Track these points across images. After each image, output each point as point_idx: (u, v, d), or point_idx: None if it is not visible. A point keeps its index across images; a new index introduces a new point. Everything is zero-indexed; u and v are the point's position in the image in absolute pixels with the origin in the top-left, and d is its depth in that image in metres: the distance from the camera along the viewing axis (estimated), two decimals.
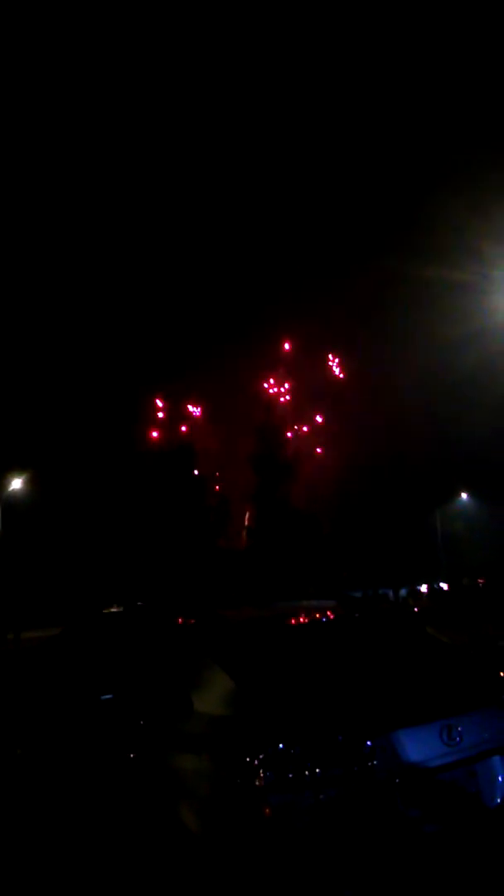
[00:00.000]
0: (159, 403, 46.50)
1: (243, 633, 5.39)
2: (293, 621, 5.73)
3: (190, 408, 47.22)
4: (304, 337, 40.85)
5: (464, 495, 45.87)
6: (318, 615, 5.87)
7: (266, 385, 45.67)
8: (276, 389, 45.27)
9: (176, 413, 48.11)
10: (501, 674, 5.58)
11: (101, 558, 30.62)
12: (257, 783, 4.24)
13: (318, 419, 46.62)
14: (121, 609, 7.35)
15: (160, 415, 47.33)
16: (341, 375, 47.38)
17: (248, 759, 4.27)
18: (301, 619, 5.78)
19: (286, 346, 46.27)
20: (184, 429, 46.04)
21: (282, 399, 45.63)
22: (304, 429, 45.61)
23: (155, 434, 45.86)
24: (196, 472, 42.97)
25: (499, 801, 4.84)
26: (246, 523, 46.39)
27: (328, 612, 5.97)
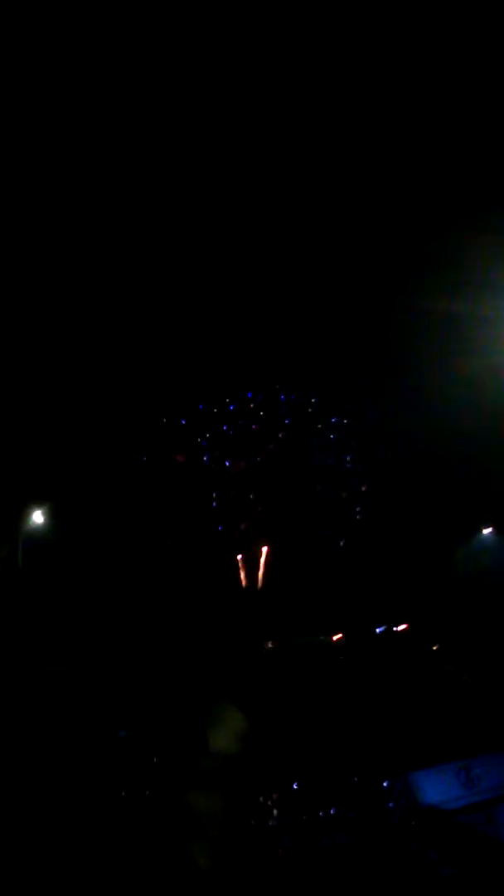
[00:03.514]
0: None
1: (259, 671, 5.37)
2: (310, 658, 5.70)
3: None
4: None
5: (488, 530, 45.36)
6: (335, 652, 5.84)
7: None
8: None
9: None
10: None
11: (120, 592, 30.51)
12: (271, 824, 4.19)
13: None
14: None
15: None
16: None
17: (261, 799, 4.23)
18: (318, 656, 5.75)
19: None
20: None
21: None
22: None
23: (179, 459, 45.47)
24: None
25: None
26: (264, 556, 45.98)
27: (345, 649, 5.94)
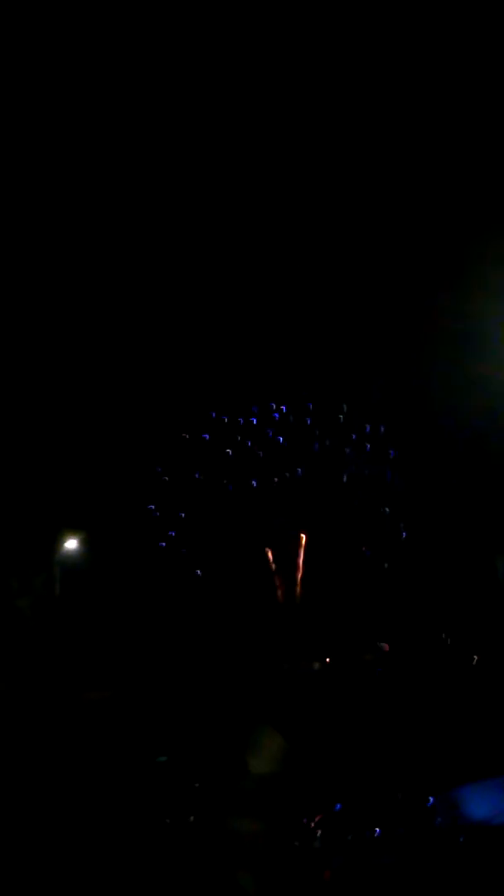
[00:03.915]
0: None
1: (298, 692, 5.33)
2: (350, 676, 5.65)
3: None
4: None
5: None
6: (374, 666, 5.79)
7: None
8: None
9: None
10: None
11: (156, 618, 30.51)
12: (316, 845, 4.14)
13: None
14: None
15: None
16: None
17: (304, 821, 4.18)
18: (359, 674, 5.70)
19: None
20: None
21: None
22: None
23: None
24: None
25: None
26: (300, 571, 45.60)
27: (383, 663, 5.88)
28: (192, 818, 4.95)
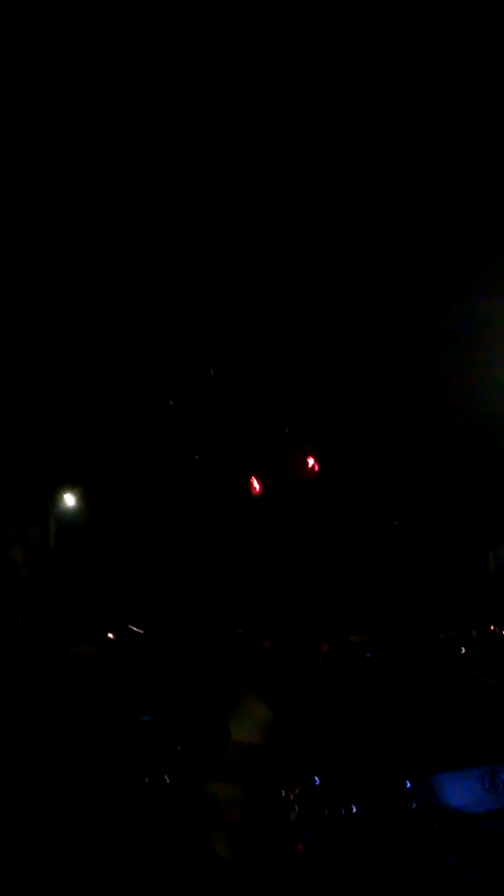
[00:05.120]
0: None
1: (283, 664, 5.34)
2: (336, 654, 5.67)
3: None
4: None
5: None
6: (363, 649, 5.80)
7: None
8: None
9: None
10: None
11: (148, 577, 30.75)
12: (291, 817, 4.17)
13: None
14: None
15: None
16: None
17: (282, 793, 4.21)
18: (345, 652, 5.72)
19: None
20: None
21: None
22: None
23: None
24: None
25: None
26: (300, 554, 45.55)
27: (373, 647, 5.90)
28: (168, 779, 4.98)
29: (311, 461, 38.50)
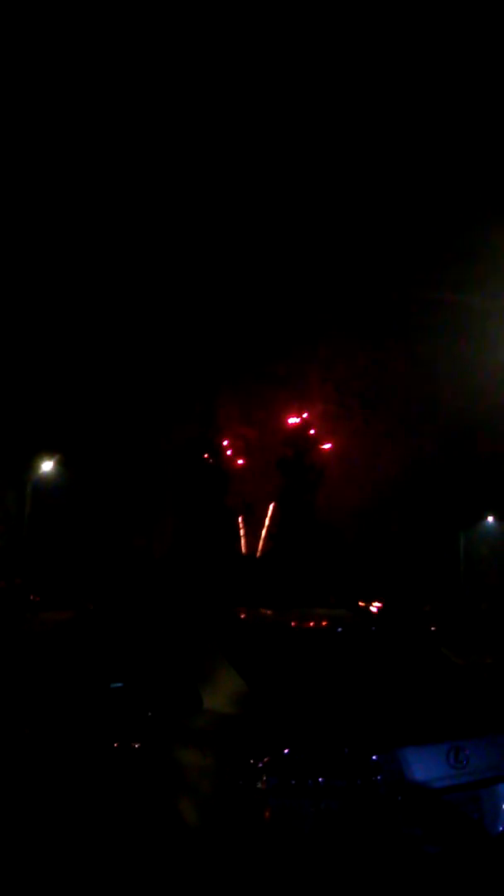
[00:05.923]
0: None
1: (257, 634, 5.38)
2: (308, 627, 5.72)
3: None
4: (330, 358, 39.99)
5: (490, 519, 45.71)
6: (333, 623, 5.85)
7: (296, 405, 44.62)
8: (299, 418, 44.07)
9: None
10: None
11: (122, 546, 30.83)
12: (259, 786, 4.23)
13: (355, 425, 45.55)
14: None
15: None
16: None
17: (252, 761, 4.26)
18: (316, 626, 5.76)
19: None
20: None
21: (305, 415, 44.35)
22: (328, 446, 44.58)
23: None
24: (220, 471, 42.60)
25: (501, 828, 4.78)
26: (266, 526, 45.94)
27: (344, 621, 5.94)
28: (137, 745, 5.02)
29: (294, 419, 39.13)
